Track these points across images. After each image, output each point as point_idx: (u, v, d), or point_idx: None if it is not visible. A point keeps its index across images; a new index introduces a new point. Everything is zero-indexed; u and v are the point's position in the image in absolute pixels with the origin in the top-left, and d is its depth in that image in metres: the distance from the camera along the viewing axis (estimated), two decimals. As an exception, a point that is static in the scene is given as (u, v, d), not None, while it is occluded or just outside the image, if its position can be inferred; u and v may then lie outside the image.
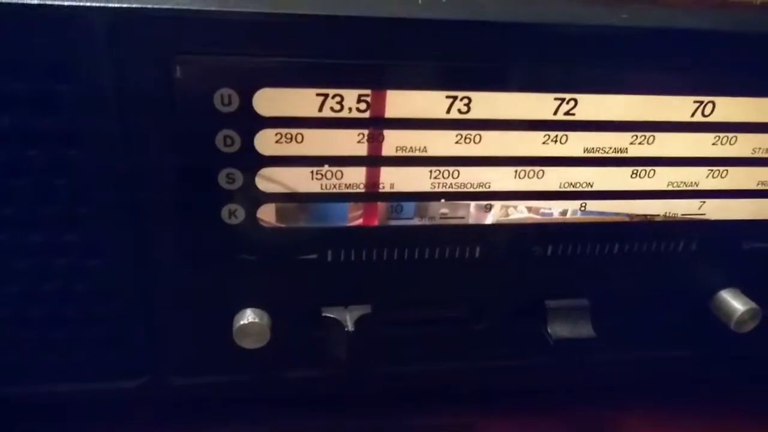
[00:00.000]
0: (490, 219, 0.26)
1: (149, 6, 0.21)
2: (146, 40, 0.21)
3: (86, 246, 0.24)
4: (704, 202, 0.28)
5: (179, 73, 0.22)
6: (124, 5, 0.21)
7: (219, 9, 0.21)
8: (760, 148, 0.27)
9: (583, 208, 0.27)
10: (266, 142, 0.23)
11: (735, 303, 0.29)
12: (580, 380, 0.32)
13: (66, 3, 0.20)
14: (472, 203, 0.26)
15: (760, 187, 0.28)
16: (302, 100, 0.23)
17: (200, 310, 0.26)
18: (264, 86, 0.22)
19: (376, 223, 0.26)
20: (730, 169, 0.27)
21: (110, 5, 0.20)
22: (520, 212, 0.27)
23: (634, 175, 0.26)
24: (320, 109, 0.23)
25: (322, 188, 0.24)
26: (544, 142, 0.25)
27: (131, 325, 0.26)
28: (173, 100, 0.22)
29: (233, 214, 0.24)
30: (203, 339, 0.27)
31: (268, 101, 0.22)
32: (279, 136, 0.23)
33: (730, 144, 0.26)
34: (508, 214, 0.26)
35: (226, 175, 0.24)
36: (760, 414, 0.33)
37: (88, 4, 0.20)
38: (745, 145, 0.26)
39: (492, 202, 0.26)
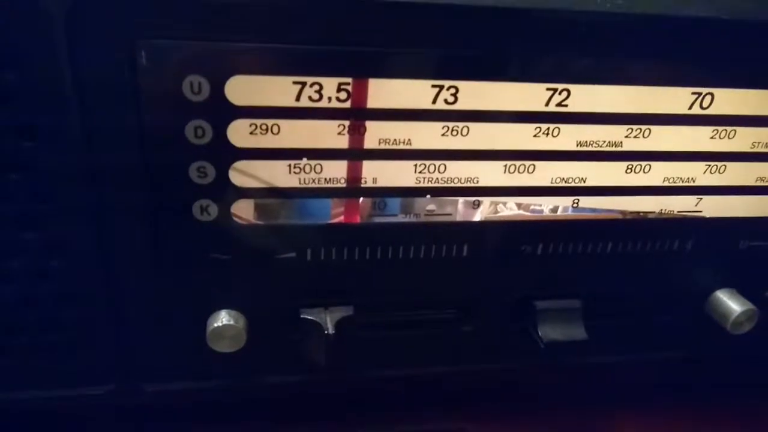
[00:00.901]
0: (478, 216, 0.25)
1: (110, -15, 0.19)
2: (107, 22, 0.20)
3: (46, 246, 0.23)
4: (701, 198, 0.26)
5: (144, 59, 0.20)
6: (83, -16, 0.19)
7: (187, -11, 0.20)
8: (759, 143, 0.26)
9: (575, 205, 0.26)
10: (240, 133, 0.22)
11: (732, 304, 0.28)
12: (573, 383, 0.31)
13: (18, -19, 0.19)
14: (460, 199, 0.25)
15: (758, 184, 0.27)
16: (278, 89, 0.21)
17: (171, 312, 0.25)
18: (237, 73, 0.21)
19: (358, 220, 0.24)
20: (728, 164, 0.26)
21: (67, -16, 0.19)
22: (509, 209, 0.25)
23: (629, 170, 0.25)
24: (298, 99, 0.21)
25: (300, 183, 0.23)
26: (535, 135, 0.24)
27: (97, 329, 0.25)
28: (138, 88, 0.20)
29: (205, 210, 0.23)
30: (175, 343, 0.25)
31: (242, 89, 0.21)
32: (254, 127, 0.22)
33: (728, 138, 0.25)
34: (497, 211, 0.25)
35: (197, 169, 0.22)
36: (757, 416, 0.32)
37: (42, -18, 0.19)
38: (744, 139, 0.25)
39: (480, 198, 0.25)
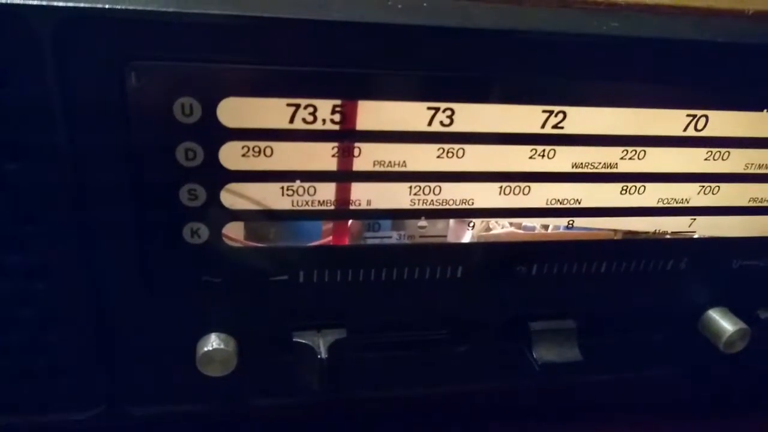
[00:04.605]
0: (472, 237, 0.25)
1: (100, 6, 0.19)
2: (97, 44, 0.19)
3: (31, 268, 0.22)
4: (695, 219, 0.26)
5: (135, 80, 0.20)
6: (71, 4, 0.18)
7: (179, 10, 0.19)
8: (752, 164, 0.26)
9: (570, 226, 0.25)
10: (232, 155, 0.21)
11: (724, 323, 0.28)
12: (567, 402, 0.31)
13: (4, 1, 0.18)
14: (454, 220, 0.24)
15: (751, 204, 0.27)
16: (271, 111, 0.21)
17: (160, 335, 0.24)
18: (229, 95, 0.20)
19: (351, 241, 0.24)
20: (721, 185, 0.26)
21: (55, 4, 0.18)
22: (504, 230, 0.25)
23: (623, 192, 0.25)
24: (291, 121, 0.21)
25: (293, 205, 0.23)
26: (530, 157, 0.24)
27: (84, 352, 0.24)
28: (128, 109, 0.20)
29: (196, 233, 0.22)
30: (164, 366, 0.25)
31: (234, 112, 0.21)
32: (246, 150, 0.21)
33: (722, 159, 0.25)
34: (492, 231, 0.25)
35: (187, 191, 0.22)
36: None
37: (30, 2, 0.18)
38: (737, 160, 0.25)
39: (475, 220, 0.25)
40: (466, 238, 0.25)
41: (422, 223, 0.24)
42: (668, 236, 0.27)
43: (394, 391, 0.28)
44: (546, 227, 0.25)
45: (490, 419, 0.31)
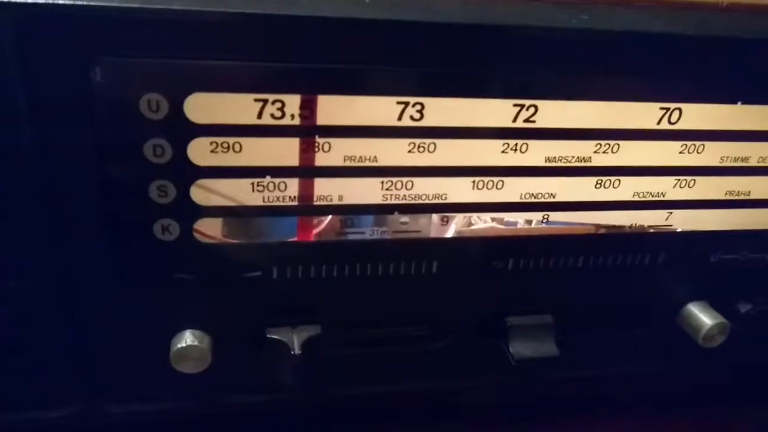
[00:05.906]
0: (448, 232, 0.25)
1: (62, 2, 0.19)
2: (61, 40, 0.19)
3: (3, 267, 0.22)
4: (671, 212, 0.26)
5: (100, 76, 0.20)
6: (33, 1, 0.18)
7: (143, 6, 0.19)
8: (727, 157, 0.26)
9: (545, 220, 0.25)
10: (200, 151, 0.21)
11: (703, 317, 0.28)
12: (548, 397, 0.31)
13: (-35, -2, 0.18)
14: (429, 216, 0.24)
15: (728, 197, 0.27)
16: (239, 106, 0.21)
17: (134, 333, 0.24)
18: (196, 91, 0.20)
19: (324, 237, 0.24)
20: (697, 178, 0.26)
21: (17, 1, 0.18)
22: (480, 225, 0.25)
23: (598, 186, 0.25)
24: (259, 116, 0.21)
25: (264, 201, 0.23)
26: (503, 151, 0.24)
27: (57, 350, 0.24)
28: (94, 107, 0.20)
29: (167, 229, 0.22)
30: (139, 364, 0.25)
31: (201, 107, 0.21)
32: (215, 145, 0.21)
33: (697, 153, 0.25)
34: (468, 226, 0.25)
35: (157, 188, 0.22)
36: (731, 428, 0.32)
37: (-10, -1, 0.18)
38: (712, 153, 0.25)
39: (449, 215, 0.24)
40: (447, 233, 0.25)
41: (404, 219, 0.24)
42: (645, 230, 0.26)
43: (371, 387, 0.28)
44: (530, 222, 0.25)
45: (467, 415, 0.31)
